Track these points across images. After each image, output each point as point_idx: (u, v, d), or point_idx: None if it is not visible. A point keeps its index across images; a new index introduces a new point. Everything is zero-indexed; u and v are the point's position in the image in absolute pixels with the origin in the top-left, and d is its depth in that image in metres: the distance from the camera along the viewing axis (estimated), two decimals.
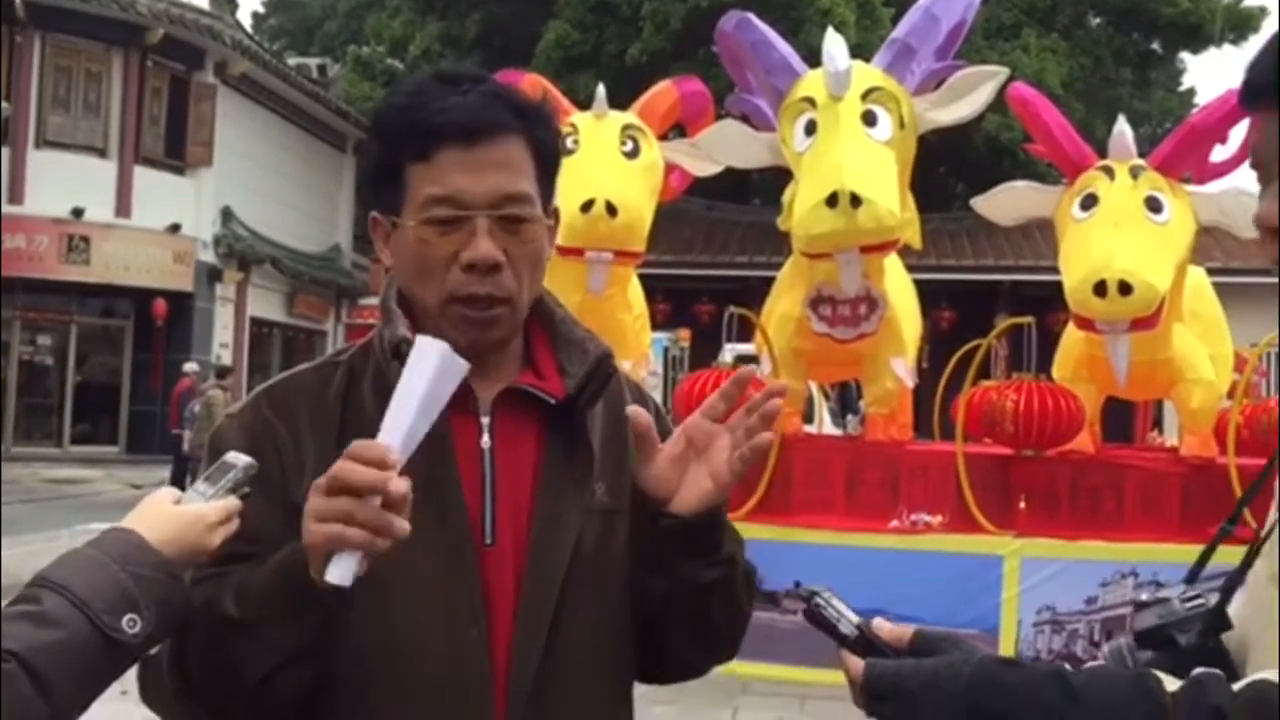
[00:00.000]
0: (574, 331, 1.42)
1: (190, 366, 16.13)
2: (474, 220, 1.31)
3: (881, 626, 1.12)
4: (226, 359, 19.47)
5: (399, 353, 1.30)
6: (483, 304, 1.32)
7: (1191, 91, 27.75)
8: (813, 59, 6.52)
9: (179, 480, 13.43)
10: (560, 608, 1.32)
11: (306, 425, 1.35)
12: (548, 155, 1.39)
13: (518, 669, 1.29)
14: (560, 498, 1.34)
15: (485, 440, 1.34)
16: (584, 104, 7.22)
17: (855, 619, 1.12)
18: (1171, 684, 1.00)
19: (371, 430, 1.26)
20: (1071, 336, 6.98)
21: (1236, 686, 0.98)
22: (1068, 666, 1.04)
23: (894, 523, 6.50)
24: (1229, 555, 5.08)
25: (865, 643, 1.11)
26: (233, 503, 1.22)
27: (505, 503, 1.33)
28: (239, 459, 1.24)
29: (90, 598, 1.08)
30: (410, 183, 1.33)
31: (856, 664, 1.09)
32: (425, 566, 1.28)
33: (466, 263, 1.30)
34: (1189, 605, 1.30)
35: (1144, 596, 1.32)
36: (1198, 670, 1.03)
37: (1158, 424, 12.88)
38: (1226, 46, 23.11)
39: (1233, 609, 1.26)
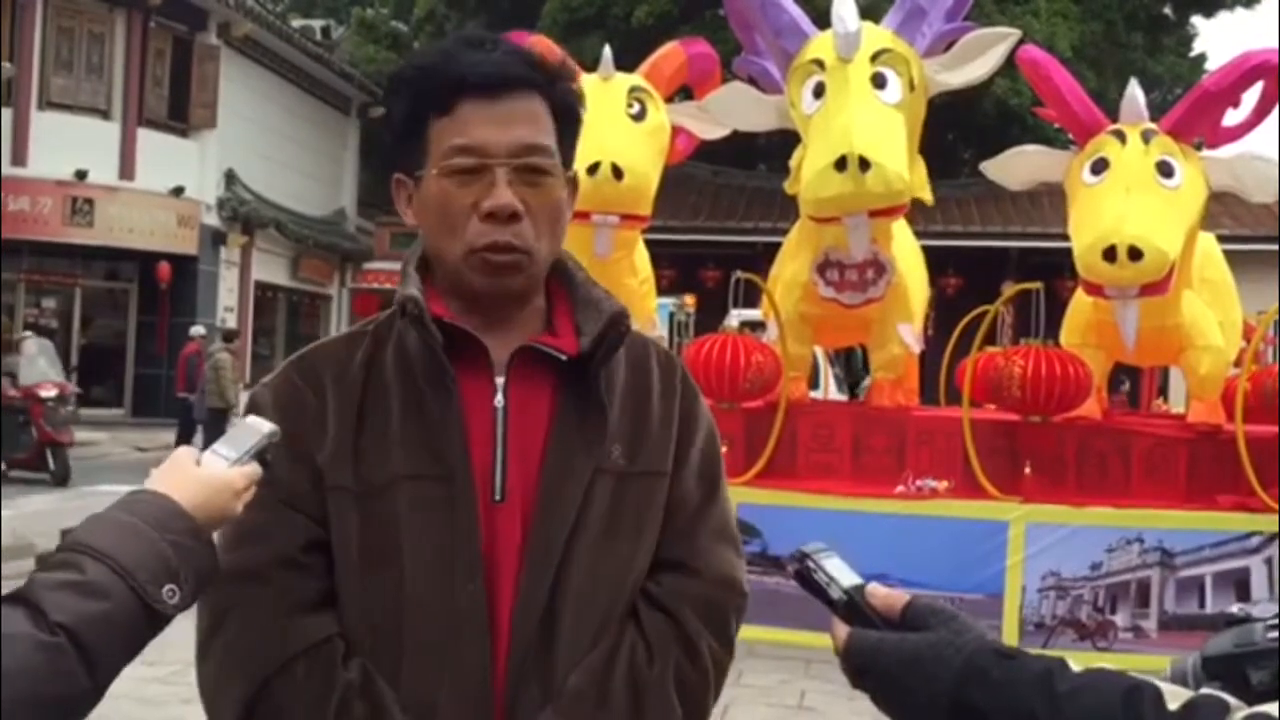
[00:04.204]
0: (592, 292, 1.44)
1: (197, 330, 16.15)
2: (494, 170, 1.33)
3: (875, 593, 1.07)
4: (231, 322, 19.49)
5: (405, 310, 1.35)
6: (502, 250, 1.34)
7: (1203, 57, 27.47)
8: (822, 21, 6.45)
9: (185, 442, 13.46)
10: (565, 563, 1.33)
11: (330, 390, 1.39)
12: (567, 115, 1.42)
13: (520, 622, 1.31)
14: (570, 456, 1.36)
15: (499, 399, 1.37)
16: (590, 66, 7.13)
17: (848, 583, 1.07)
18: (1174, 702, 0.93)
19: (389, 398, 1.34)
20: (1080, 302, 6.95)
21: (1235, 717, 0.91)
22: (1070, 664, 0.98)
23: (900, 488, 6.50)
24: (1240, 524, 5.10)
25: (854, 609, 1.07)
26: (257, 470, 1.22)
27: (516, 460, 1.35)
28: (263, 425, 1.25)
29: (134, 567, 1.06)
30: (432, 137, 1.36)
31: (841, 632, 1.06)
32: (432, 526, 1.32)
33: (486, 211, 1.33)
34: (1273, 636, 1.15)
35: (1234, 610, 1.18)
36: (1202, 692, 0.95)
37: (1162, 391, 12.91)
38: (1239, 10, 22.87)
39: None
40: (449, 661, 1.30)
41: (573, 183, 1.44)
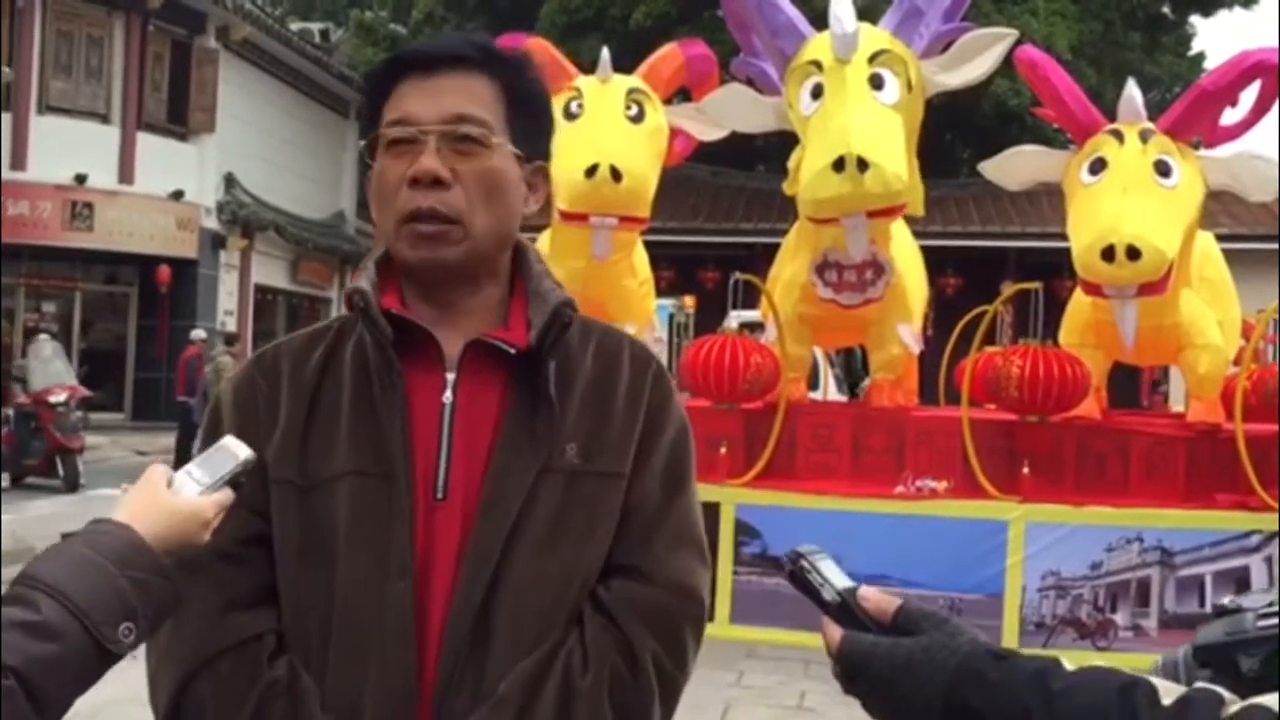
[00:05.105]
0: (543, 283, 1.42)
1: (198, 333, 16.14)
2: (422, 139, 1.33)
3: (867, 597, 1.06)
4: (231, 326, 19.48)
5: (352, 303, 1.37)
6: (428, 219, 1.33)
7: (1201, 56, 27.45)
8: (819, 22, 6.46)
9: (185, 445, 13.47)
10: (504, 565, 1.29)
11: (286, 384, 1.39)
12: (524, 102, 1.40)
13: (453, 624, 1.28)
14: (517, 454, 1.32)
15: (447, 395, 1.34)
16: (588, 68, 7.16)
17: (840, 585, 1.07)
18: (1169, 697, 0.92)
19: (342, 393, 1.34)
20: (1078, 302, 6.95)
21: (1230, 710, 0.90)
22: (1063, 663, 0.97)
23: (899, 488, 6.51)
24: (1239, 523, 5.12)
25: (846, 612, 1.06)
26: (229, 496, 1.21)
27: (461, 458, 1.32)
28: (240, 450, 1.23)
29: (89, 607, 1.05)
30: (382, 120, 1.38)
31: (835, 635, 1.05)
32: (369, 523, 1.30)
33: (410, 177, 1.32)
34: (1263, 624, 1.15)
35: (1226, 601, 1.17)
36: (1196, 686, 0.94)
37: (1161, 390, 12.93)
38: (1237, 9, 22.87)
39: None
40: (374, 660, 1.27)
41: (541, 173, 1.43)
